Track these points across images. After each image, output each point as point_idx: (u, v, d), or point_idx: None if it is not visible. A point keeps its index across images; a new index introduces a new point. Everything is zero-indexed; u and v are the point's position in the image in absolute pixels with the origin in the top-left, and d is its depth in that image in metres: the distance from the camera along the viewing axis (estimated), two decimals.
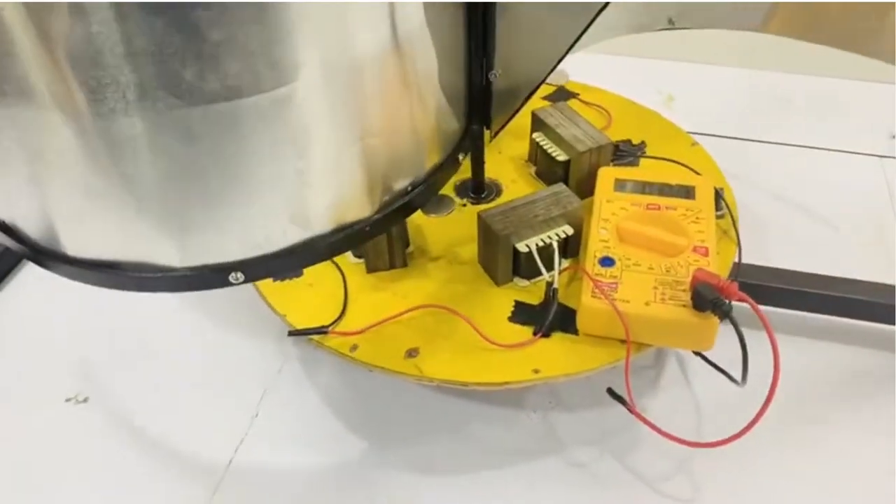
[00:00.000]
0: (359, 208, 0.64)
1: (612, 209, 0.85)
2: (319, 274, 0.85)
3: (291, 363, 0.94)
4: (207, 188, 0.51)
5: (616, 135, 1.00)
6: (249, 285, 0.61)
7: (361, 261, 0.86)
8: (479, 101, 0.81)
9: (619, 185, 0.88)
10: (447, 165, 0.75)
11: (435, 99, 0.72)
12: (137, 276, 0.54)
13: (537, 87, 0.82)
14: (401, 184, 0.69)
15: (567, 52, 0.79)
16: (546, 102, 1.09)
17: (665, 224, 0.82)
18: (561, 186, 0.85)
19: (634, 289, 0.75)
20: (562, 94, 1.11)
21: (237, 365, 0.94)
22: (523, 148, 1.01)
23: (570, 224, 0.82)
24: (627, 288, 0.76)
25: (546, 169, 0.96)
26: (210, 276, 0.55)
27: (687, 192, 0.87)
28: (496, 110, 0.84)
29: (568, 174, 0.93)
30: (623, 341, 0.75)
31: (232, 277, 0.55)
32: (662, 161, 0.98)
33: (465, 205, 0.94)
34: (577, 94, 1.11)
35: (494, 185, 0.97)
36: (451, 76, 0.74)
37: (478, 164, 0.92)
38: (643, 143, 1.02)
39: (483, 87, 0.81)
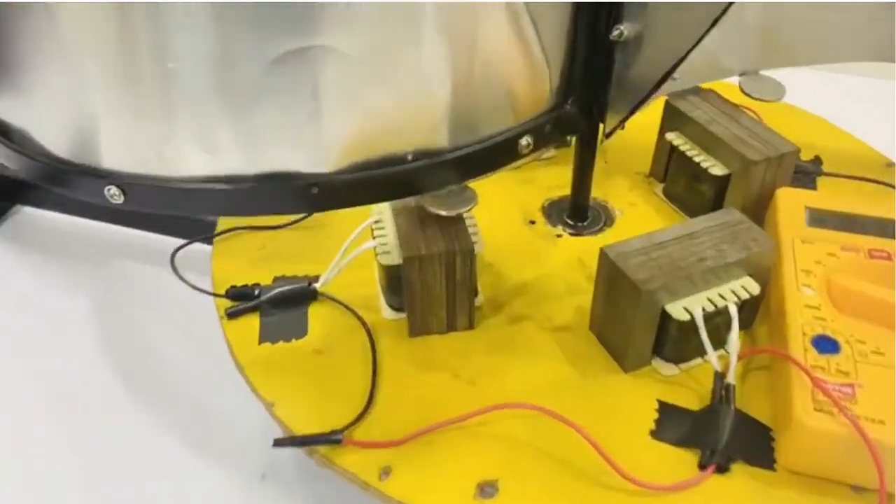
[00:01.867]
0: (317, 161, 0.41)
1: (813, 255, 0.52)
2: (332, 333, 0.53)
3: (283, 464, 0.61)
4: None
5: None
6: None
7: (401, 315, 0.54)
8: (591, 71, 0.51)
9: (815, 217, 0.56)
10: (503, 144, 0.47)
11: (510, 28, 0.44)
12: None
13: (671, 73, 0.50)
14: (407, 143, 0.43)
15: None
16: None
17: None
18: (734, 214, 0.52)
19: (885, 398, 0.43)
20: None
21: (208, 478, 0.61)
22: (642, 155, 0.68)
23: (752, 276, 0.50)
24: (872, 396, 0.43)
25: (685, 187, 0.63)
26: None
27: None
28: (615, 93, 0.52)
29: (722, 197, 0.61)
30: (868, 489, 0.42)
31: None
32: (854, 180, 0.65)
33: (559, 235, 0.62)
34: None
35: (602, 209, 0.64)
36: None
37: (583, 174, 0.60)
38: (817, 158, 0.70)
39: (602, 46, 0.49)
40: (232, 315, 0.54)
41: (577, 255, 0.60)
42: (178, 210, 0.42)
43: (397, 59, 0.40)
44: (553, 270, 0.58)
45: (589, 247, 0.61)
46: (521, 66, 0.47)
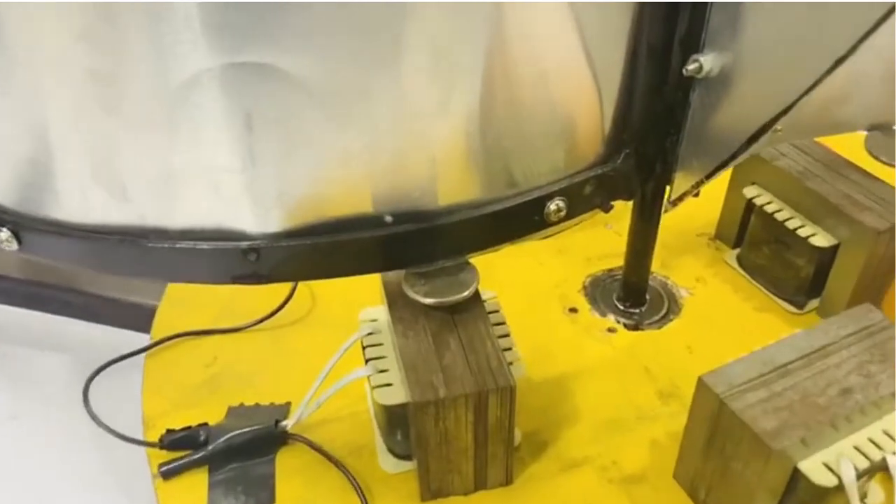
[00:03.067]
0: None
1: None
2: (309, 495, 0.37)
3: None
4: None
5: None
6: None
7: (407, 466, 0.38)
8: (655, 115, 0.38)
9: None
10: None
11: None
12: None
13: (774, 122, 0.37)
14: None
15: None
16: None
17: None
18: (874, 313, 0.37)
19: None
20: None
21: None
22: (705, 210, 0.53)
23: None
24: None
25: (771, 259, 0.48)
26: None
27: None
28: (689, 147, 0.38)
29: (824, 274, 0.46)
30: None
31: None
32: None
33: (612, 329, 0.47)
34: None
35: (662, 288, 0.49)
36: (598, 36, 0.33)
37: (642, 251, 0.45)
38: None
39: (673, 82, 0.35)
40: (168, 473, 0.38)
41: (639, 357, 0.44)
42: (83, 263, 0.32)
43: (374, 85, 0.27)
44: (610, 384, 0.43)
45: (654, 345, 0.45)
46: (558, 98, 0.33)
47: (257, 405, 0.42)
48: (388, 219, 0.31)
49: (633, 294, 0.47)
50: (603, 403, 0.42)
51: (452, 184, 0.32)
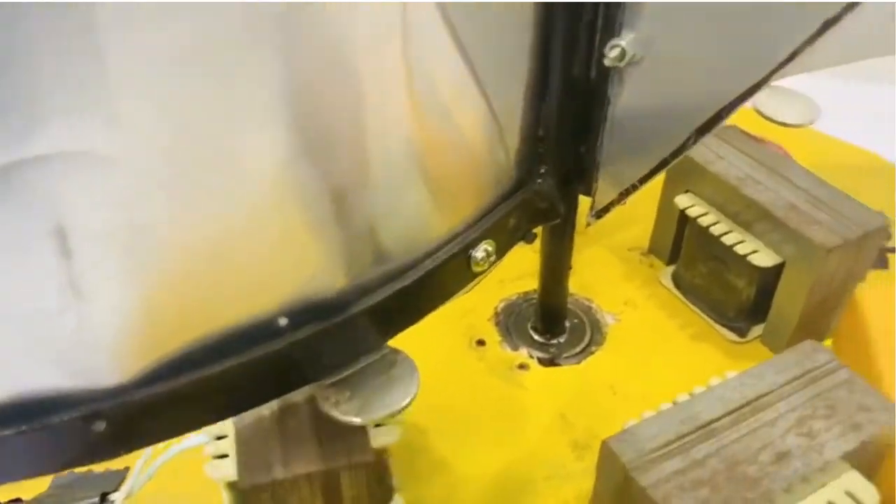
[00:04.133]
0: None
1: None
2: None
3: None
4: None
5: None
6: None
7: None
8: (570, 117, 0.31)
9: None
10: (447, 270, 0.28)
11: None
12: None
13: (738, 103, 0.30)
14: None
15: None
16: None
17: None
18: (819, 353, 0.31)
19: None
20: None
21: None
22: (637, 221, 0.47)
23: (861, 469, 0.28)
24: None
25: (708, 278, 0.42)
26: None
27: None
28: (611, 149, 0.32)
29: (767, 296, 0.39)
30: None
31: None
32: None
33: (523, 366, 0.40)
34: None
35: (585, 314, 0.43)
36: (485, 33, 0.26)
37: (557, 271, 0.39)
38: (882, 217, 0.49)
39: (588, 76, 0.28)
40: None
41: (553, 400, 0.38)
42: None
43: (228, 149, 0.20)
44: (517, 435, 0.36)
45: (572, 384, 0.39)
46: (456, 130, 0.27)
47: (89, 472, 0.35)
48: (283, 322, 0.24)
49: (549, 322, 0.41)
50: (507, 460, 0.35)
51: (358, 258, 0.25)
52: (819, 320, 0.39)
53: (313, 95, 0.21)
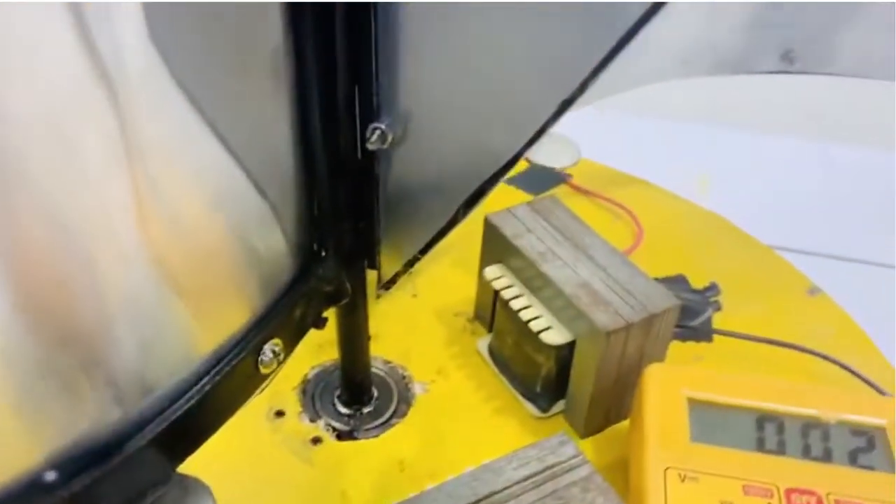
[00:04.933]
0: None
1: (693, 503, 0.31)
2: None
3: None
4: None
5: (655, 265, 0.46)
6: None
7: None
8: (346, 204, 0.30)
9: (704, 419, 0.35)
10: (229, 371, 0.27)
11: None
12: None
13: (497, 178, 0.30)
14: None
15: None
16: (514, 189, 0.57)
17: None
18: (567, 448, 0.31)
19: None
20: (543, 178, 0.58)
21: None
22: (468, 286, 0.47)
23: None
24: None
25: (515, 351, 0.42)
26: None
27: (868, 445, 0.34)
28: (390, 227, 0.31)
29: (566, 371, 0.39)
30: None
31: None
32: (764, 343, 0.45)
33: (317, 439, 0.39)
34: (570, 177, 0.58)
35: (396, 382, 0.42)
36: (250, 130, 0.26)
37: (353, 346, 0.38)
38: (713, 285, 0.49)
39: (358, 162, 0.29)
40: None
41: (339, 478, 0.37)
42: None
43: None
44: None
45: (363, 460, 0.38)
46: (211, 230, 0.26)
47: None
48: (51, 477, 0.22)
49: (352, 393, 0.40)
50: None
51: (125, 392, 0.24)
52: (615, 399, 0.39)
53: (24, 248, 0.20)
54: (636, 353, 0.38)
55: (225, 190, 0.25)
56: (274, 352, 0.29)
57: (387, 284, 0.35)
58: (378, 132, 0.30)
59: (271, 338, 0.29)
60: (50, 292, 0.21)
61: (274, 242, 0.29)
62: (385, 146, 0.30)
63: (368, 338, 0.38)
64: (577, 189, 0.57)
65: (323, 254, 0.32)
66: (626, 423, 0.40)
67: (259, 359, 0.29)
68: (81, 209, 0.20)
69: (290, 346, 0.30)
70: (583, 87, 0.25)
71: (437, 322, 0.46)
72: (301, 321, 0.31)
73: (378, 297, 0.36)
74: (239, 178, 0.26)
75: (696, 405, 0.35)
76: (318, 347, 0.43)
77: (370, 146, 0.30)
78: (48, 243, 0.20)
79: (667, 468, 0.33)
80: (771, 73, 0.55)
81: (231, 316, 0.28)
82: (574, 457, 0.30)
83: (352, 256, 0.34)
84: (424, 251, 0.33)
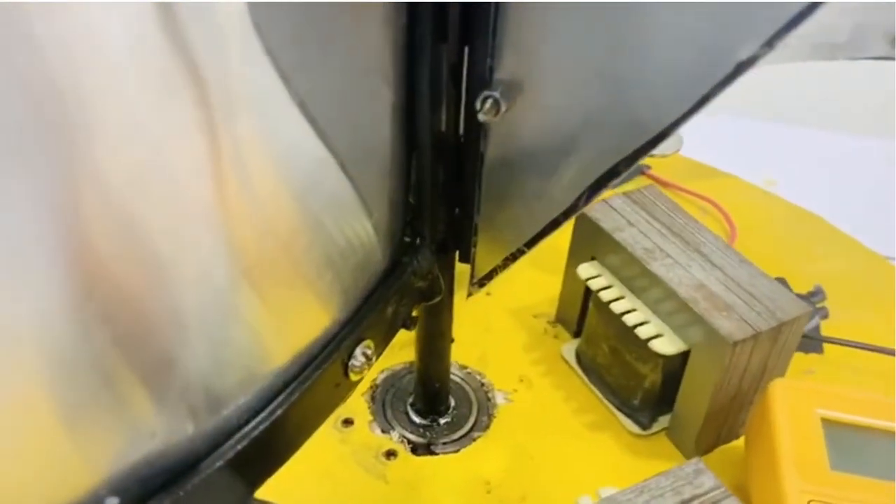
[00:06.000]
0: None
1: None
2: None
3: None
4: None
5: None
6: None
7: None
8: (445, 188, 0.25)
9: (839, 443, 0.30)
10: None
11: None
12: None
13: (639, 156, 0.25)
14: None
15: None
16: None
17: None
18: (704, 477, 0.26)
19: None
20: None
21: None
22: (547, 284, 0.42)
23: None
24: None
25: (611, 359, 0.37)
26: None
27: None
28: (490, 214, 0.27)
29: (674, 384, 0.35)
30: None
31: None
32: (885, 354, 0.40)
33: (391, 453, 0.35)
34: (648, 168, 0.54)
35: (475, 391, 0.38)
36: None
37: (434, 352, 0.34)
38: (818, 289, 0.45)
39: (460, 138, 0.24)
40: None
41: (418, 498, 0.33)
42: None
43: None
44: None
45: (444, 478, 0.34)
46: (319, 218, 0.22)
47: None
48: (112, 503, 0.18)
49: (428, 402, 0.36)
50: None
51: (197, 407, 0.20)
52: (730, 416, 0.34)
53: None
54: (759, 365, 0.33)
55: (311, 173, 0.21)
56: (366, 355, 0.25)
57: (482, 281, 0.31)
58: (491, 101, 0.25)
59: (363, 339, 0.25)
60: (115, 284, 0.17)
61: (364, 231, 0.25)
62: (497, 118, 0.26)
63: (451, 340, 0.34)
64: (658, 181, 0.52)
65: (417, 244, 0.28)
66: (737, 442, 0.35)
67: (350, 363, 0.24)
68: (154, 196, 0.17)
69: (380, 349, 0.26)
70: (772, 43, 0.20)
71: (515, 324, 0.41)
72: (393, 320, 0.27)
73: (469, 295, 0.32)
74: (327, 159, 0.21)
75: (832, 427, 0.31)
76: (388, 349, 0.39)
77: (482, 117, 0.26)
78: (117, 232, 0.16)
79: (810, 501, 0.28)
80: (877, 58, 0.50)
81: (317, 315, 0.24)
82: (715, 489, 0.25)
83: (444, 246, 0.30)
84: (532, 244, 0.29)
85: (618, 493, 0.25)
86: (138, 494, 0.19)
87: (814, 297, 0.44)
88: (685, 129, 0.24)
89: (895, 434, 0.31)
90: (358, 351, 0.25)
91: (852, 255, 0.48)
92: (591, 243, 0.37)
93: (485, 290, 0.44)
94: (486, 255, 0.30)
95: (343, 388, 0.25)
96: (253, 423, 0.21)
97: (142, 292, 0.18)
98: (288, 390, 0.22)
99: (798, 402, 0.31)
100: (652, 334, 0.34)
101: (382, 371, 0.38)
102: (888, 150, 0.81)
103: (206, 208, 0.18)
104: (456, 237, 0.30)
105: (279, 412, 0.22)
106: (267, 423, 0.22)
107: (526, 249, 0.29)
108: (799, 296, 0.44)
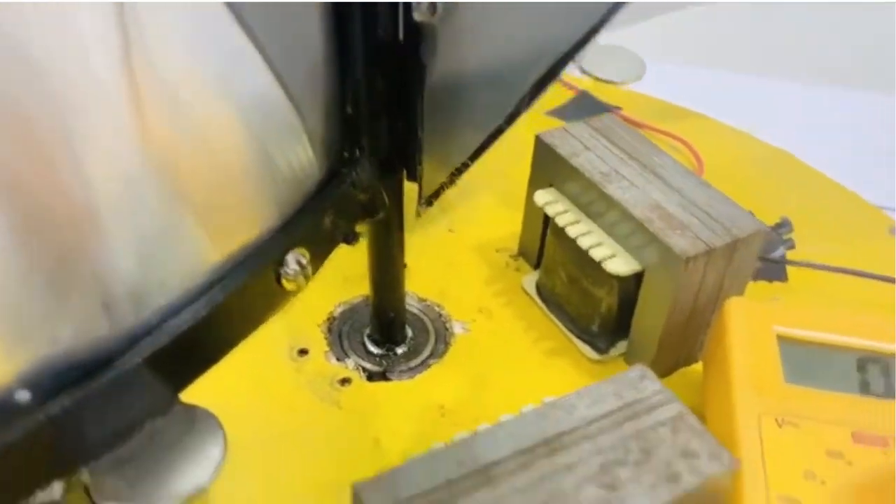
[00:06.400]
0: None
1: (799, 455, 0.26)
2: None
3: None
4: None
5: None
6: None
7: None
8: (384, 97, 0.27)
9: (799, 360, 0.30)
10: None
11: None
12: None
13: (569, 59, 0.24)
14: None
15: None
16: (557, 121, 0.51)
17: None
18: (647, 381, 0.26)
19: None
20: (590, 109, 0.53)
21: None
22: (513, 217, 0.42)
23: None
24: None
25: (569, 286, 0.37)
26: None
27: None
28: (435, 126, 0.26)
29: (630, 306, 0.34)
30: None
31: None
32: (850, 275, 0.40)
33: (345, 380, 0.34)
34: (619, 109, 0.53)
35: (433, 321, 0.38)
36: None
37: (387, 272, 0.33)
38: (785, 221, 0.44)
39: (399, 45, 0.23)
40: None
41: (371, 422, 0.33)
42: None
43: None
44: (325, 464, 0.31)
45: (397, 403, 0.34)
46: (221, 122, 0.21)
47: None
48: (23, 397, 0.18)
49: (384, 331, 0.35)
50: (301, 493, 0.30)
51: (117, 300, 0.19)
52: (687, 338, 0.34)
53: None
54: (715, 285, 0.33)
55: (235, 68, 0.20)
56: (300, 263, 0.24)
57: (429, 199, 0.30)
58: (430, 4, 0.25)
59: (295, 246, 0.24)
60: (24, 164, 0.16)
61: (296, 138, 0.24)
62: (434, 20, 0.25)
63: (404, 265, 0.33)
64: (629, 121, 0.51)
65: (357, 155, 0.27)
66: (697, 366, 0.35)
67: (282, 270, 0.24)
68: (70, 77, 0.16)
69: (317, 260, 0.26)
70: None
71: (477, 258, 0.41)
72: (331, 232, 0.26)
73: (418, 214, 0.31)
74: (252, 54, 0.21)
75: (788, 343, 0.30)
76: (345, 281, 0.39)
77: (417, 17, 0.25)
78: (28, 108, 0.16)
79: (761, 413, 0.28)
80: None
81: (245, 218, 0.23)
82: (658, 392, 0.25)
83: (389, 164, 0.29)
84: (476, 156, 0.28)
85: (559, 398, 0.25)
86: (51, 389, 0.19)
87: (780, 229, 0.43)
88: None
89: (853, 348, 0.30)
90: (290, 258, 0.24)
91: (821, 190, 0.47)
92: (549, 170, 0.37)
93: (447, 226, 0.44)
94: (432, 172, 0.29)
95: (277, 297, 0.24)
96: (174, 322, 0.21)
97: (48, 173, 0.17)
98: (213, 291, 0.22)
99: (754, 320, 0.31)
100: (606, 255, 0.33)
101: (340, 304, 0.38)
102: (872, 102, 0.80)
103: (121, 100, 0.18)
104: (401, 154, 0.29)
105: (203, 313, 0.21)
106: (191, 323, 0.21)
107: (470, 162, 0.28)
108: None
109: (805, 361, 0.30)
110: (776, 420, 0.27)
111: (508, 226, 0.42)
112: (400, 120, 0.28)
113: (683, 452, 0.23)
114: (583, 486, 0.22)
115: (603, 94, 0.55)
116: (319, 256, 0.26)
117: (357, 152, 0.27)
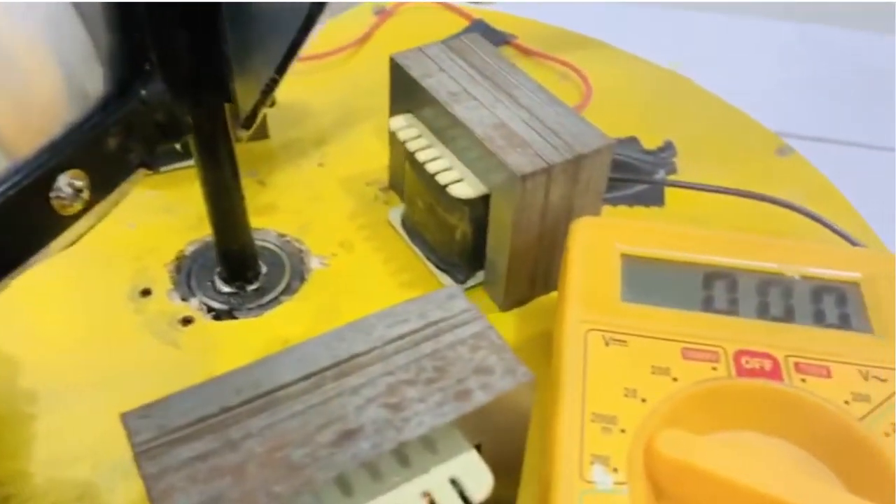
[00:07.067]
0: None
1: (624, 372, 0.25)
2: None
3: None
4: None
5: (603, 126, 0.38)
6: None
7: None
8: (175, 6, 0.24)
9: (639, 278, 0.29)
10: None
11: None
12: None
13: None
14: None
15: None
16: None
17: (806, 436, 0.24)
18: (456, 300, 0.24)
19: None
20: (481, 32, 0.51)
21: None
22: (380, 154, 0.40)
23: (482, 450, 0.22)
24: None
25: (427, 214, 0.35)
26: None
27: (840, 302, 0.28)
28: (241, 39, 0.24)
29: (483, 234, 0.33)
30: None
31: None
32: (727, 194, 0.38)
33: (188, 320, 0.33)
34: (515, 38, 0.51)
35: (290, 256, 0.36)
36: None
37: (223, 202, 0.32)
38: (669, 144, 0.43)
39: None
40: None
41: (209, 362, 0.31)
42: None
43: None
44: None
45: (240, 342, 0.32)
46: None
47: None
48: None
49: (230, 265, 0.34)
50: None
51: None
52: (539, 263, 0.33)
53: None
54: (562, 205, 0.31)
55: None
56: (74, 187, 0.22)
57: (246, 122, 0.29)
58: None
59: (68, 168, 0.22)
60: None
61: (73, 44, 0.22)
62: None
63: (242, 197, 0.32)
64: (522, 50, 0.50)
65: (147, 68, 0.25)
66: (555, 294, 0.34)
67: (52, 194, 0.22)
68: None
69: (101, 186, 0.24)
70: None
71: (345, 192, 0.39)
72: (119, 155, 0.24)
73: (238, 139, 0.29)
74: None
75: (631, 261, 0.29)
76: (199, 220, 0.37)
77: None
78: None
79: (588, 330, 0.27)
80: None
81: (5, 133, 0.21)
82: (465, 311, 0.24)
83: (197, 82, 0.27)
84: (282, 69, 0.26)
85: (362, 318, 0.24)
86: None
87: (663, 153, 0.42)
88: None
89: (700, 264, 0.29)
90: (63, 181, 0.22)
91: (713, 111, 0.46)
92: (405, 96, 0.35)
93: (318, 160, 0.42)
94: (245, 92, 0.28)
95: (52, 223, 0.23)
96: None
97: None
98: None
99: (598, 238, 0.30)
100: (452, 179, 0.32)
101: (191, 242, 0.36)
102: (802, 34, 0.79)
103: None
104: (209, 73, 0.27)
105: None
106: None
107: (278, 77, 0.26)
108: (647, 151, 0.42)
109: (647, 279, 0.29)
110: (604, 338, 0.26)
111: (381, 159, 0.40)
112: (199, 29, 0.27)
113: (478, 369, 0.22)
114: (366, 407, 0.21)
115: (499, 22, 0.53)
116: (103, 182, 0.24)
117: (148, 65, 0.25)
